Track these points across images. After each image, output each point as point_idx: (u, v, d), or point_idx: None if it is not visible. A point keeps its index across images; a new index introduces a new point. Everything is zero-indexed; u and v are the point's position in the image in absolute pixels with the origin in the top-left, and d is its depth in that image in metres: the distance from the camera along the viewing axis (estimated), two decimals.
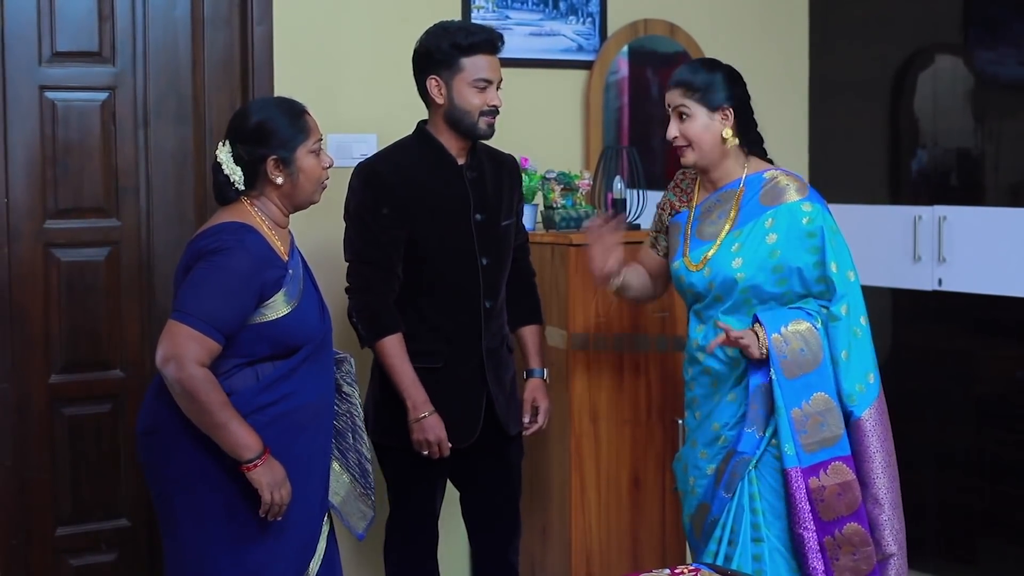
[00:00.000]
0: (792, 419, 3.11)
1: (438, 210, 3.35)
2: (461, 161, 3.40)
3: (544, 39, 4.33)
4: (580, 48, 4.43)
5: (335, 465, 3.11)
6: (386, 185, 3.32)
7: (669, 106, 3.23)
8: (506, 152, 3.61)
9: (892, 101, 4.68)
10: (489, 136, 3.40)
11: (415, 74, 3.40)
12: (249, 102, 3.07)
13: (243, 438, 2.79)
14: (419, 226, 3.33)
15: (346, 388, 3.12)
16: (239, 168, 2.92)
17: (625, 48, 4.51)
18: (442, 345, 3.38)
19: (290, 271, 2.94)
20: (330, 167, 3.03)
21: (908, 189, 4.64)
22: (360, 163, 3.43)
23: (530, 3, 4.33)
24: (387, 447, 3.44)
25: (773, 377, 3.10)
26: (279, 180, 2.93)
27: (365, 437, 3.14)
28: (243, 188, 2.93)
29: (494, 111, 3.35)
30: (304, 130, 2.95)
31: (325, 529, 3.07)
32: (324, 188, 3.04)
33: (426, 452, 3.33)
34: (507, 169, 3.55)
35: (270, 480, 2.81)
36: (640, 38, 4.54)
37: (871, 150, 4.75)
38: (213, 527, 2.86)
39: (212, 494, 2.85)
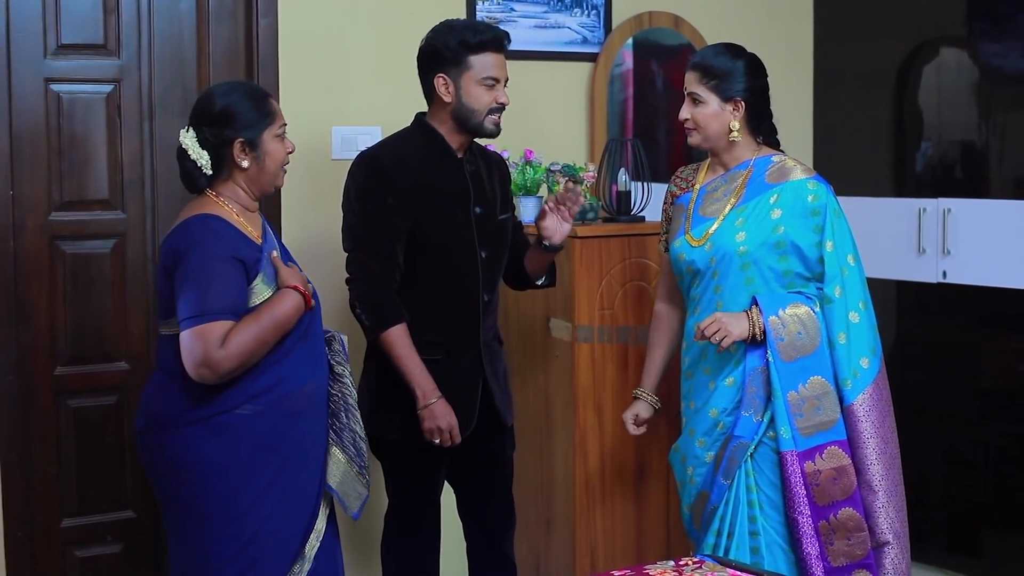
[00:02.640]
0: (788, 402, 3.13)
1: (440, 202, 3.35)
2: (460, 155, 3.41)
3: (549, 31, 4.33)
4: (585, 40, 4.43)
5: (332, 447, 3.10)
6: (390, 175, 3.32)
7: (685, 88, 3.26)
8: (498, 147, 3.63)
9: (897, 94, 4.68)
10: (495, 134, 3.40)
11: (420, 72, 3.40)
12: (210, 87, 3.09)
13: (290, 320, 2.90)
14: (422, 217, 3.32)
15: (337, 368, 3.11)
16: (205, 152, 2.94)
17: (630, 40, 4.51)
18: (442, 337, 3.38)
19: (265, 254, 2.95)
20: (292, 152, 3.05)
21: (912, 182, 4.64)
22: (362, 153, 3.43)
23: None
24: (385, 439, 3.43)
25: (770, 359, 3.12)
26: (245, 164, 2.96)
27: (358, 415, 3.13)
28: (210, 172, 2.95)
29: (501, 109, 3.36)
30: (270, 114, 2.98)
31: (324, 512, 3.07)
32: (285, 173, 3.06)
33: (438, 440, 3.32)
34: (496, 166, 3.57)
35: None
36: (645, 30, 4.53)
37: (876, 143, 4.75)
38: (213, 517, 2.88)
39: (209, 486, 2.87)
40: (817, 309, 3.17)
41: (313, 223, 3.91)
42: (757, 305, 3.15)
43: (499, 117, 3.37)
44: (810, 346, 3.15)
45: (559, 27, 4.37)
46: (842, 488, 3.15)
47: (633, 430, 3.56)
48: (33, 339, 3.68)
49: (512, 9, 4.26)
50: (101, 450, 3.78)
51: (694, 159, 4.64)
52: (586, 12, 4.42)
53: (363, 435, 3.14)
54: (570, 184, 3.35)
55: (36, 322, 3.68)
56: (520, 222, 3.75)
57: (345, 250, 3.40)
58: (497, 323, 3.55)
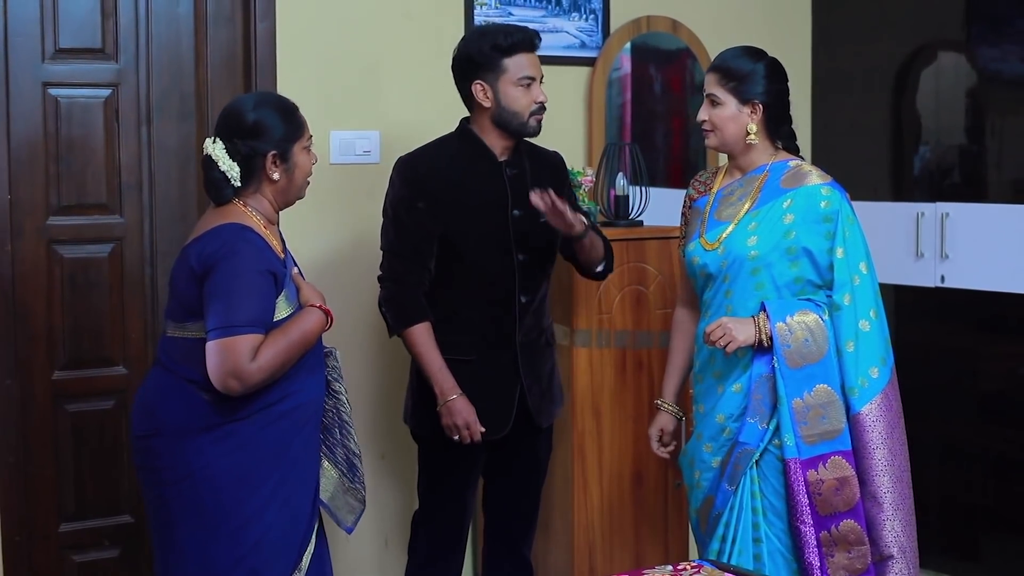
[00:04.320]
0: (793, 409, 3.11)
1: (473, 206, 3.38)
2: (503, 158, 3.43)
3: (547, 36, 4.31)
4: (583, 45, 4.43)
5: (324, 462, 3.11)
6: (421, 180, 3.36)
7: (704, 89, 3.26)
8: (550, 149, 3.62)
9: (895, 98, 4.68)
10: (538, 133, 3.43)
11: (457, 81, 3.42)
12: (238, 98, 3.08)
13: (313, 337, 2.93)
14: (453, 222, 3.35)
15: (334, 384, 3.12)
16: (236, 164, 2.92)
17: (628, 45, 4.51)
18: (475, 337, 3.40)
19: (288, 269, 2.97)
20: (315, 163, 3.06)
21: (911, 186, 4.64)
22: (400, 158, 3.46)
23: (532, 0, 4.33)
24: (422, 437, 3.49)
25: (776, 366, 3.11)
26: (276, 176, 2.95)
27: (352, 432, 3.14)
28: (239, 185, 2.93)
29: (542, 108, 3.39)
30: (300, 127, 2.99)
31: (315, 523, 3.07)
32: (308, 184, 3.07)
33: (456, 437, 3.34)
34: (551, 166, 3.58)
35: None
36: (643, 35, 4.53)
37: (874, 147, 4.75)
38: (214, 526, 2.87)
39: (212, 494, 2.86)
40: (826, 317, 3.15)
41: (312, 228, 3.90)
42: (765, 311, 3.14)
43: (542, 116, 3.40)
44: (817, 354, 3.14)
45: (557, 31, 4.37)
46: (844, 499, 3.12)
47: (659, 449, 3.48)
48: (31, 343, 3.68)
49: (510, 13, 4.26)
50: (99, 454, 3.78)
51: (692, 163, 4.65)
52: (584, 16, 4.42)
53: (357, 452, 3.14)
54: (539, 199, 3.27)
55: (34, 326, 3.68)
56: (585, 213, 3.61)
57: (380, 250, 3.44)
58: (546, 324, 3.54)
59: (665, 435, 3.48)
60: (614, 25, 4.48)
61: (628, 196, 4.07)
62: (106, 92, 3.75)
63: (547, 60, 4.30)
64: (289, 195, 3.02)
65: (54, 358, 3.72)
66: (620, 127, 4.53)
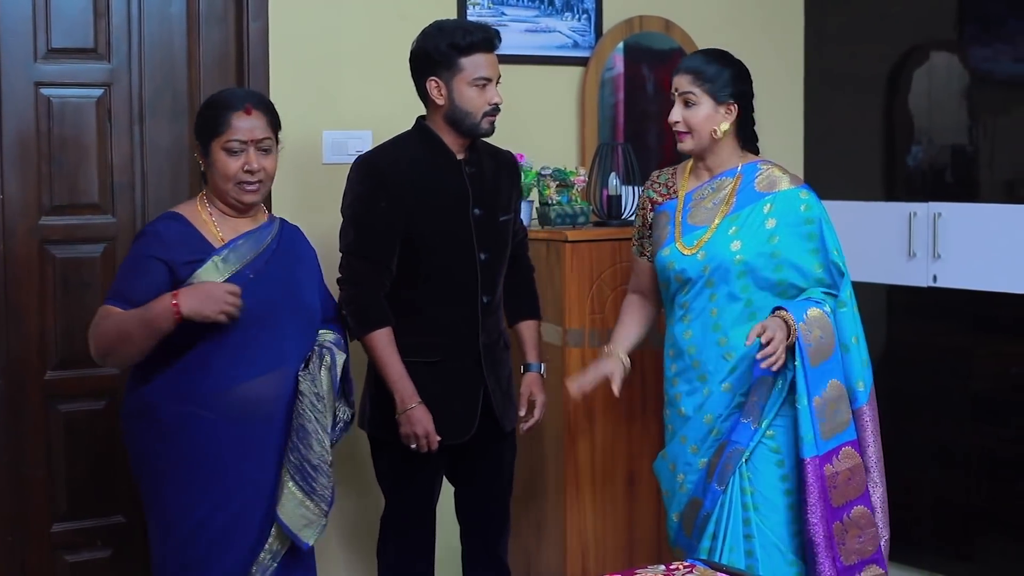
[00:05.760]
0: (814, 407, 3.12)
1: (436, 204, 3.36)
2: (460, 156, 3.41)
3: (540, 36, 4.33)
4: (576, 45, 4.43)
5: (283, 471, 3.01)
6: (384, 179, 3.33)
7: (676, 90, 3.25)
8: (504, 148, 3.61)
9: (887, 97, 4.69)
10: (490, 134, 3.41)
11: (413, 75, 3.40)
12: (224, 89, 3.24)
13: (156, 320, 2.85)
14: (416, 220, 3.33)
15: (302, 385, 3.02)
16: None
17: (620, 44, 4.51)
18: (439, 339, 3.39)
19: (215, 257, 2.96)
20: (254, 171, 3.00)
21: (903, 185, 4.65)
22: (359, 156, 3.43)
23: (525, 0, 4.33)
24: (382, 441, 3.45)
25: (798, 365, 3.10)
26: (202, 168, 3.06)
27: (312, 440, 3.01)
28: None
29: (496, 109, 3.36)
30: (222, 125, 2.99)
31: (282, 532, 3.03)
32: (251, 191, 3.02)
33: (414, 445, 3.33)
34: (505, 165, 3.56)
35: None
36: (635, 34, 4.54)
37: (866, 146, 4.75)
38: (156, 514, 3.00)
39: (152, 481, 2.99)
40: (828, 311, 3.17)
41: (304, 227, 3.89)
42: (785, 310, 3.13)
43: (494, 117, 3.38)
44: (829, 349, 3.16)
45: (550, 31, 4.37)
46: (855, 487, 3.18)
47: (575, 391, 3.40)
48: (23, 343, 3.67)
49: (503, 13, 4.27)
50: (91, 454, 3.78)
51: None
52: (577, 16, 4.42)
53: (317, 461, 3.01)
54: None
55: (26, 326, 3.67)
56: (522, 222, 3.71)
57: (339, 252, 3.41)
58: (502, 326, 3.55)
59: (614, 381, 3.36)
60: (607, 25, 4.49)
61: (621, 196, 4.07)
62: (98, 92, 3.75)
63: (540, 60, 4.33)
64: (218, 191, 3.04)
65: (46, 358, 3.71)
66: (613, 127, 4.53)
